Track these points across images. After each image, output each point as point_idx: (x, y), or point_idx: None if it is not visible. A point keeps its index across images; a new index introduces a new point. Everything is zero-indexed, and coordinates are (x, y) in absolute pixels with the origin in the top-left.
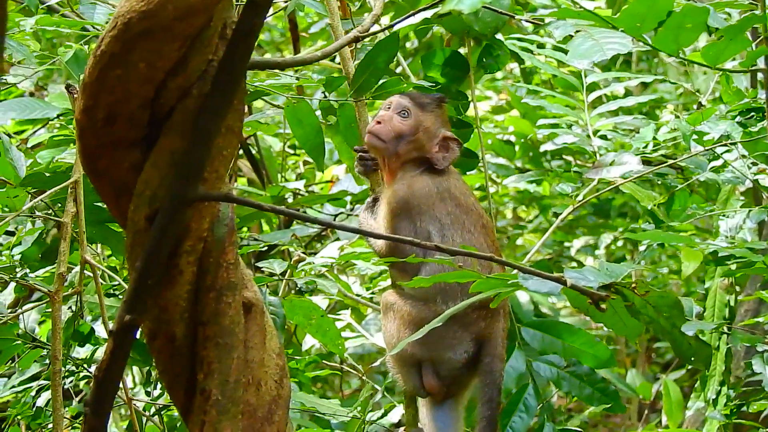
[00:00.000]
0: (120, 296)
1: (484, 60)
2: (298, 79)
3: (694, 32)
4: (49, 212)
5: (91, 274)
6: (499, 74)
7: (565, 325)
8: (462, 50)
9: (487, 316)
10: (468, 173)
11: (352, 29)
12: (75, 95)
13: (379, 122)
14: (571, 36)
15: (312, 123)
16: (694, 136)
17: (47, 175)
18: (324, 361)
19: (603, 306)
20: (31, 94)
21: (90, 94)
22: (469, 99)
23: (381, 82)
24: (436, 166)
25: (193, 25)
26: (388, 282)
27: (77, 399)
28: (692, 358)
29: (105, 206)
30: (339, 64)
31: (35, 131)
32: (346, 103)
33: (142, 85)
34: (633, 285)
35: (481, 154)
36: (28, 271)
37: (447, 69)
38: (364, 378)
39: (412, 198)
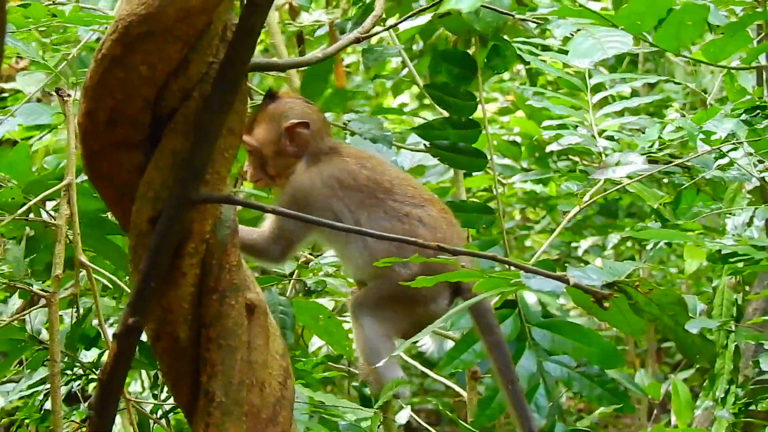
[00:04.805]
0: (115, 297)
1: (492, 60)
2: None
3: (695, 30)
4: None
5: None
6: (505, 75)
7: (574, 326)
8: (470, 51)
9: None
10: (475, 174)
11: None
12: (65, 98)
13: (247, 172)
14: (572, 35)
15: None
16: (701, 135)
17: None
18: (331, 363)
19: (606, 304)
20: (38, 100)
21: (92, 97)
22: (477, 100)
23: None
24: (295, 158)
25: (194, 27)
26: None
27: (85, 403)
28: (696, 356)
29: (99, 216)
30: None
31: (41, 136)
32: None
33: (144, 88)
34: (636, 283)
35: (490, 154)
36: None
37: (455, 70)
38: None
39: (296, 194)
